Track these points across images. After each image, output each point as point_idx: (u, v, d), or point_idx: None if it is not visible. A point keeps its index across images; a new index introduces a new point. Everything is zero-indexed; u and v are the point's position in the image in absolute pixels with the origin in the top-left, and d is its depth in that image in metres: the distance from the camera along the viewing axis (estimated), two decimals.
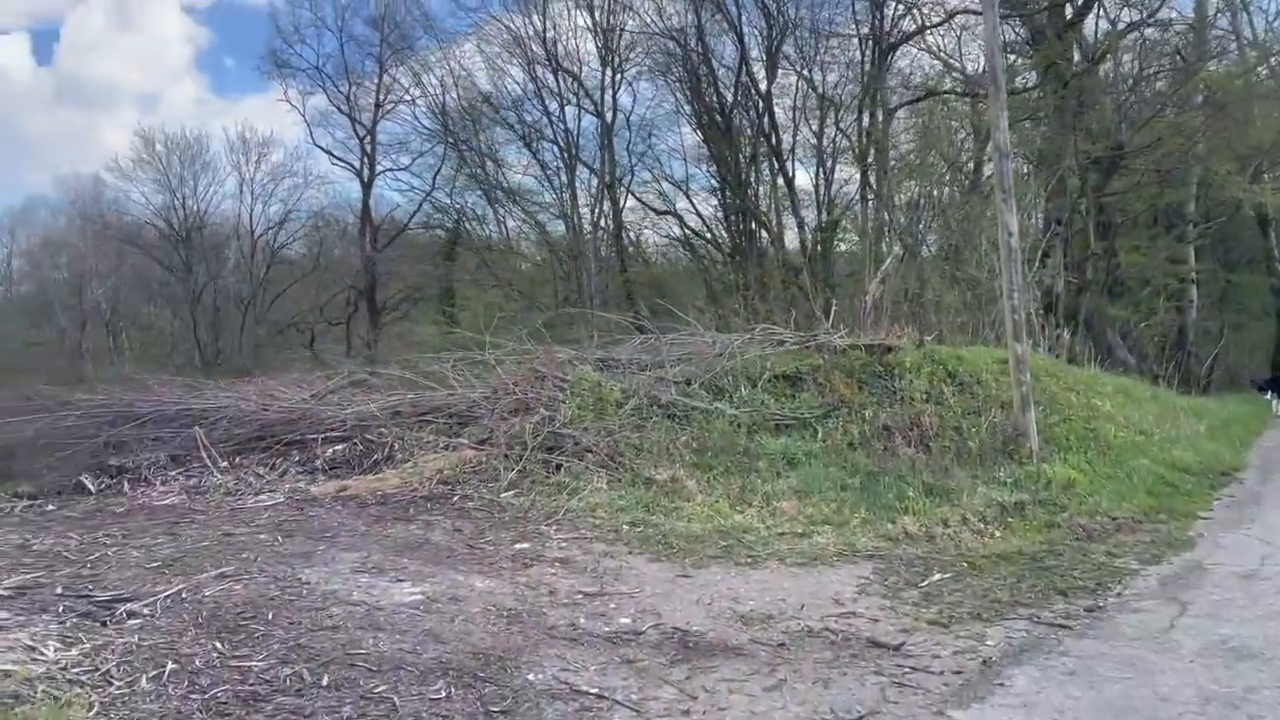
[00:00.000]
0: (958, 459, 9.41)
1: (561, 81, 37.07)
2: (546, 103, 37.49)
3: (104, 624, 5.38)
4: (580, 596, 6.22)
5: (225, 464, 10.18)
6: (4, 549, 7.24)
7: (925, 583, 6.60)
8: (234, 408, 10.83)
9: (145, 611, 5.58)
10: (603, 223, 37.67)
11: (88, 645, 4.98)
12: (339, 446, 10.21)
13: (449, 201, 43.70)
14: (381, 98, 45.04)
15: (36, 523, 8.48)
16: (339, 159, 47.32)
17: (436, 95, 41.05)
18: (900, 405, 10.44)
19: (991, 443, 9.67)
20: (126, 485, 9.76)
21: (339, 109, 45.70)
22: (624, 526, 7.91)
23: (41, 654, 4.79)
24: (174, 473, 10.00)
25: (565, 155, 37.68)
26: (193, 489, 9.54)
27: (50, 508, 9.28)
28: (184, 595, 5.91)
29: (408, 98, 43.27)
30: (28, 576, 6.35)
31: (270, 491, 9.23)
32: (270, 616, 5.58)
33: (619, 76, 36.54)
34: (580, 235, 37.26)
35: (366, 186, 47.17)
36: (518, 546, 7.35)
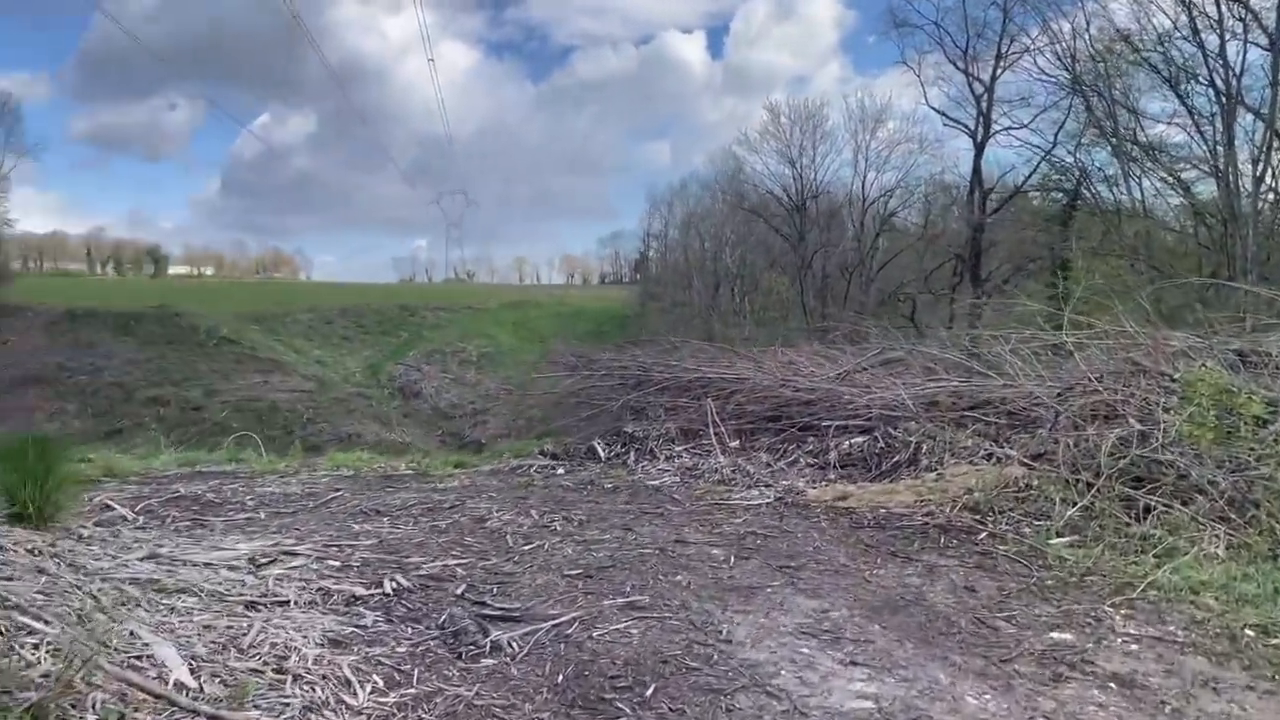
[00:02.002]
0: None
1: (1224, 7, 30.06)
2: (1202, 36, 30.76)
3: (459, 656, 4.24)
4: None
5: (735, 444, 8.96)
6: (463, 520, 6.73)
7: None
8: (753, 381, 9.55)
9: (513, 647, 4.33)
10: (1270, 179, 29.91)
11: (413, 691, 3.85)
12: (857, 439, 8.33)
13: (1071, 160, 38.78)
14: (1003, 49, 41.53)
15: (529, 490, 8.05)
16: (952, 120, 45.09)
17: (1066, 40, 36.39)
18: None
19: None
20: (632, 456, 9.04)
21: (955, 65, 43.34)
22: (1246, 631, 4.80)
23: (352, 696, 3.72)
24: (680, 448, 9.05)
25: (1223, 100, 30.71)
26: (689, 470, 8.45)
27: (559, 471, 8.91)
28: (570, 631, 4.57)
29: (1033, 46, 39.09)
30: (450, 563, 5.60)
31: (764, 486, 7.72)
32: (649, 692, 3.96)
33: None
34: (1238, 195, 30.08)
35: (979, 148, 44.21)
36: (1054, 636, 4.77)
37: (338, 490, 7.87)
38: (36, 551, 4.13)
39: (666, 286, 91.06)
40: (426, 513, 6.98)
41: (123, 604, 3.88)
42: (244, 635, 3.96)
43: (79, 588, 3.81)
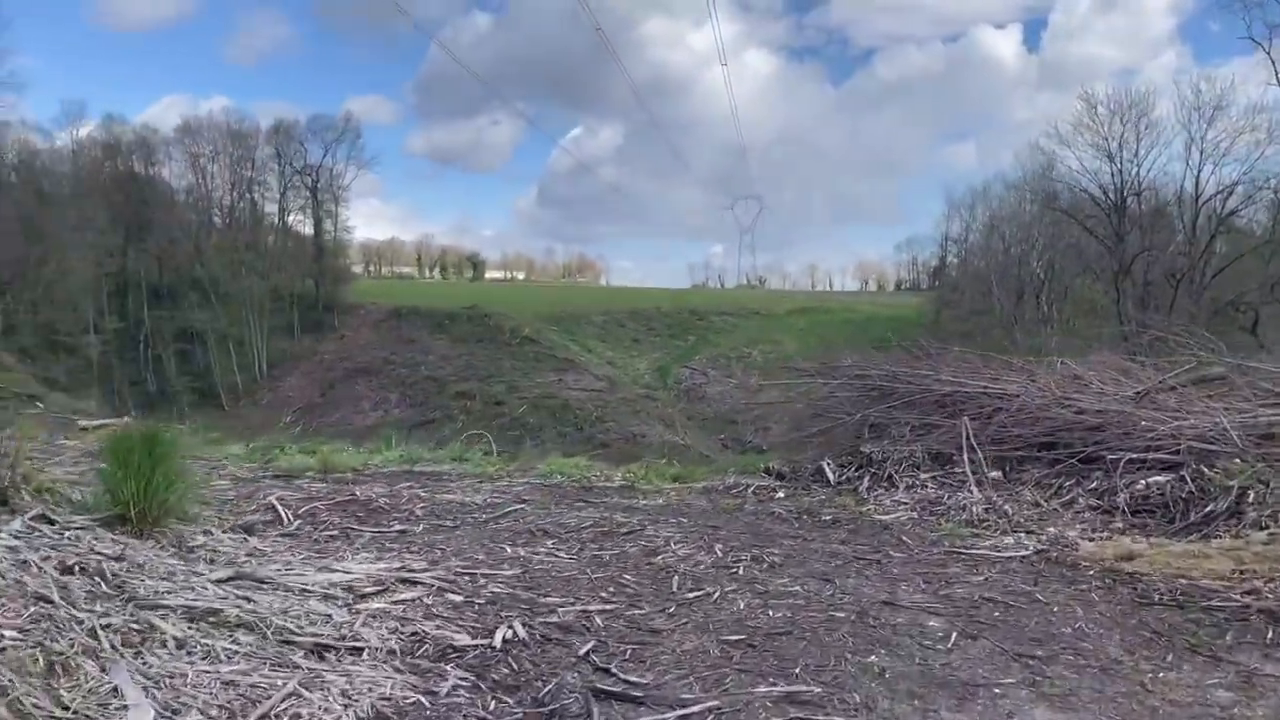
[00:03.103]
0: None
1: None
2: None
3: None
4: None
5: (994, 474, 7.29)
6: (632, 550, 5.71)
7: None
8: (1023, 398, 7.77)
9: None
10: None
11: None
12: (1157, 478, 6.41)
13: None
14: None
15: (734, 515, 6.91)
16: None
17: None
18: None
19: None
20: (866, 481, 7.62)
21: None
22: None
23: None
24: (925, 475, 7.51)
25: None
26: (930, 504, 6.91)
27: (778, 494, 7.71)
28: None
29: None
30: (591, 608, 4.59)
31: (1024, 533, 6.07)
32: None
33: None
34: None
35: None
36: None
37: (523, 502, 7.14)
38: (79, 569, 3.58)
39: (965, 294, 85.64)
40: (598, 537, 6.03)
41: (135, 645, 3.18)
42: (267, 698, 3.14)
43: (80, 622, 3.16)
